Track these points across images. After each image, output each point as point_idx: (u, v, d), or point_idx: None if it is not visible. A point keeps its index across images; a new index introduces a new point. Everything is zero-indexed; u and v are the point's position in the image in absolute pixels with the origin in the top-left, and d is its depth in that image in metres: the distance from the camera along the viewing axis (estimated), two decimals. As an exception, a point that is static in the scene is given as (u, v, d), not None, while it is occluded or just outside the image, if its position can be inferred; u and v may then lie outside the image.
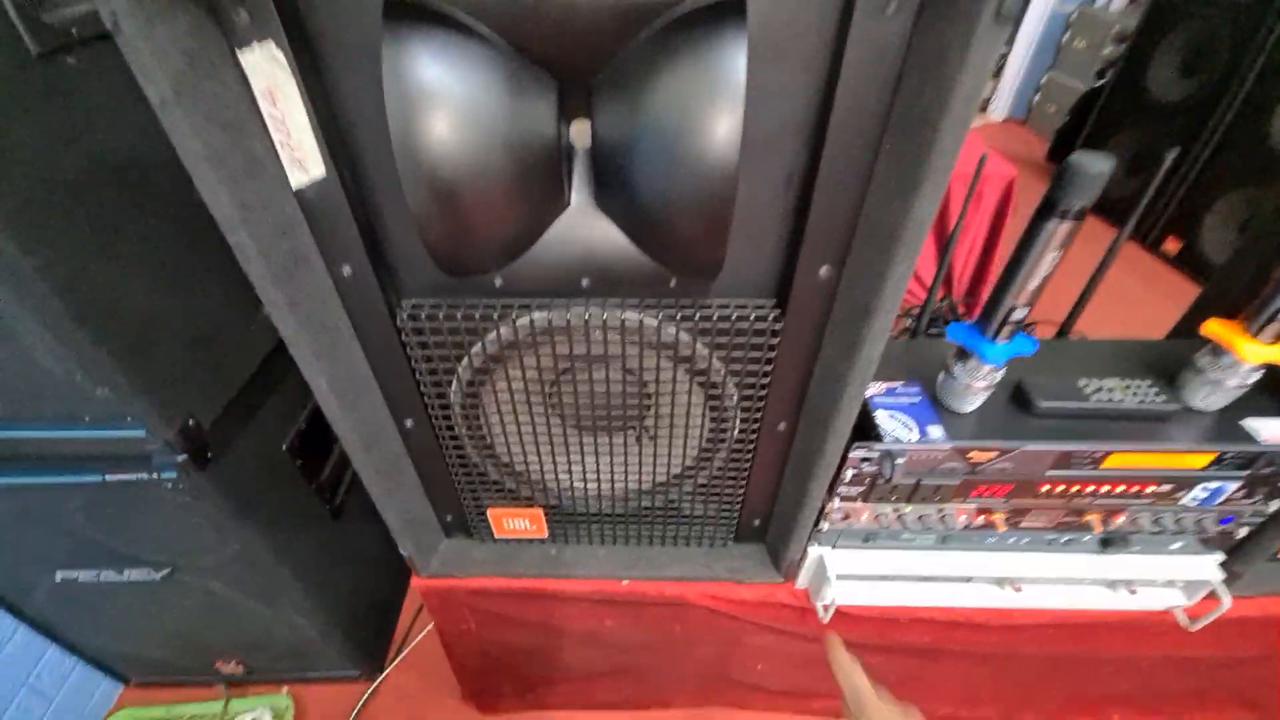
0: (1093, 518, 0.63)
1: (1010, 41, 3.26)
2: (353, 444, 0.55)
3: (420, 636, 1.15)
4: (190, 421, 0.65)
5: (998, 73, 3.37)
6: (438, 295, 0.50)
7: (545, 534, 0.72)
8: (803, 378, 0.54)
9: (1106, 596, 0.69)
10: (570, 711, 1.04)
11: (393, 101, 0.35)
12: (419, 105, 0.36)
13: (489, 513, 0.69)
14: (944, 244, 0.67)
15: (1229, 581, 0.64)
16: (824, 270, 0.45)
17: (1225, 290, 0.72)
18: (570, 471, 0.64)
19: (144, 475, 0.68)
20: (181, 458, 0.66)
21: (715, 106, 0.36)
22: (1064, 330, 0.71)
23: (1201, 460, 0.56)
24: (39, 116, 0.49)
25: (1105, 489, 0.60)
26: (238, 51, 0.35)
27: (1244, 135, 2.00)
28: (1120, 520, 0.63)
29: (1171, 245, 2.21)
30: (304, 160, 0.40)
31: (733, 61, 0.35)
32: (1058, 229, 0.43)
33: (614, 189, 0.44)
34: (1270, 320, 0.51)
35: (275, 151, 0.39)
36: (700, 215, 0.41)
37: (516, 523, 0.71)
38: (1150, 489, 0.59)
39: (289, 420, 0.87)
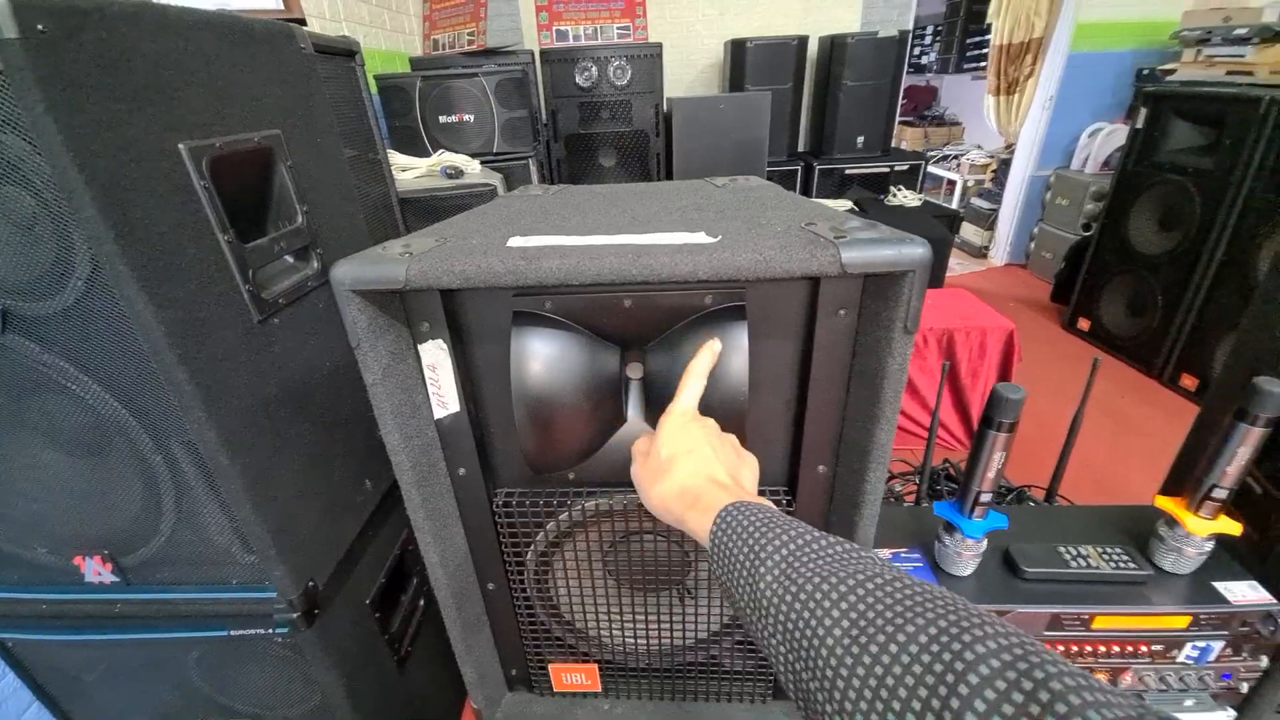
0: (1101, 677, 0.69)
1: (997, 201, 3.63)
2: (448, 605, 0.68)
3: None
4: (311, 583, 0.79)
5: (991, 224, 3.71)
6: (524, 486, 0.65)
7: (599, 688, 0.80)
8: (815, 549, 0.65)
9: (1138, 760, 0.72)
10: None
11: (515, 364, 0.53)
12: (530, 365, 0.54)
13: (550, 667, 0.78)
14: (930, 428, 0.80)
15: (1248, 741, 0.67)
16: (821, 468, 0.59)
17: (1194, 458, 0.82)
18: (622, 626, 0.74)
19: (262, 631, 0.81)
20: (296, 615, 0.79)
21: (728, 359, 0.53)
22: (1050, 495, 0.82)
23: (1181, 621, 0.64)
24: (254, 364, 0.70)
25: (1104, 649, 0.66)
26: (419, 345, 0.54)
27: (1233, 278, 2.16)
28: (1129, 679, 0.68)
29: (1189, 381, 2.28)
30: (446, 402, 0.58)
31: (739, 335, 0.52)
32: (997, 437, 0.57)
33: (659, 411, 0.60)
34: (1205, 499, 0.62)
35: (428, 398, 0.58)
36: (723, 428, 0.56)
37: (574, 677, 0.79)
38: (1144, 649, 0.66)
39: (374, 576, 0.99)
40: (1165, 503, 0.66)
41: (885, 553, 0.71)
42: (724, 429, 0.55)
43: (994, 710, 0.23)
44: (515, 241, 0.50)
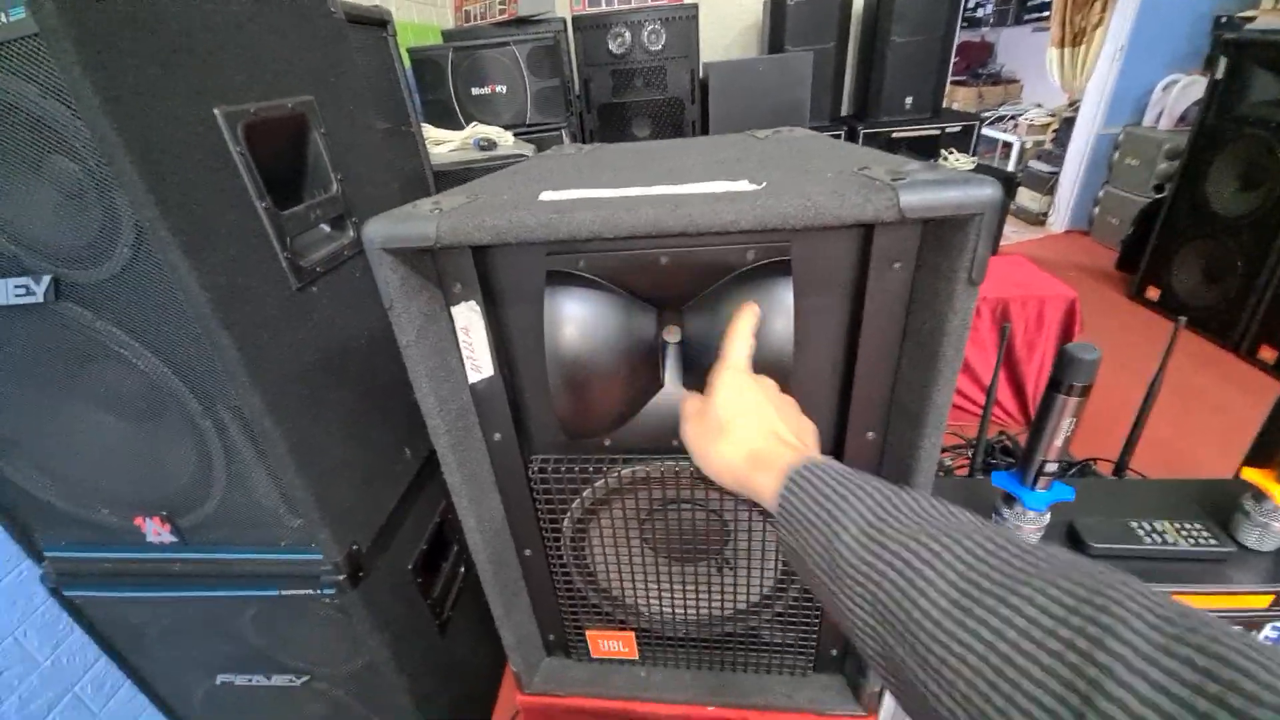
0: (1173, 660, 0.64)
1: (1057, 163, 3.40)
2: (486, 570, 0.68)
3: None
4: (354, 547, 0.81)
5: (1050, 189, 3.49)
6: (560, 452, 0.64)
7: (636, 655, 0.79)
8: (862, 520, 0.62)
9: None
10: None
11: (549, 326, 0.51)
12: (564, 328, 0.52)
13: (587, 634, 0.78)
14: (986, 397, 0.75)
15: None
16: (870, 434, 0.56)
17: (1282, 429, 0.75)
18: (660, 596, 0.73)
19: (311, 591, 0.83)
20: (342, 577, 0.81)
21: (772, 319, 0.50)
22: (1120, 469, 0.76)
23: (1264, 600, 0.58)
24: (293, 331, 0.70)
25: (1177, 630, 0.62)
26: (451, 307, 0.53)
27: (1325, 243, 1.97)
28: (1204, 663, 0.64)
29: (1268, 354, 2.11)
30: (480, 365, 0.57)
31: (783, 293, 0.49)
32: (1067, 402, 0.52)
33: (697, 374, 0.58)
34: (1302, 470, 0.56)
35: (462, 361, 0.57)
36: (766, 395, 0.54)
37: (610, 644, 0.79)
38: (1224, 631, 0.61)
39: (415, 542, 1.02)
40: (1253, 474, 0.60)
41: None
42: None
43: (1160, 690, 0.19)
44: (547, 195, 0.48)
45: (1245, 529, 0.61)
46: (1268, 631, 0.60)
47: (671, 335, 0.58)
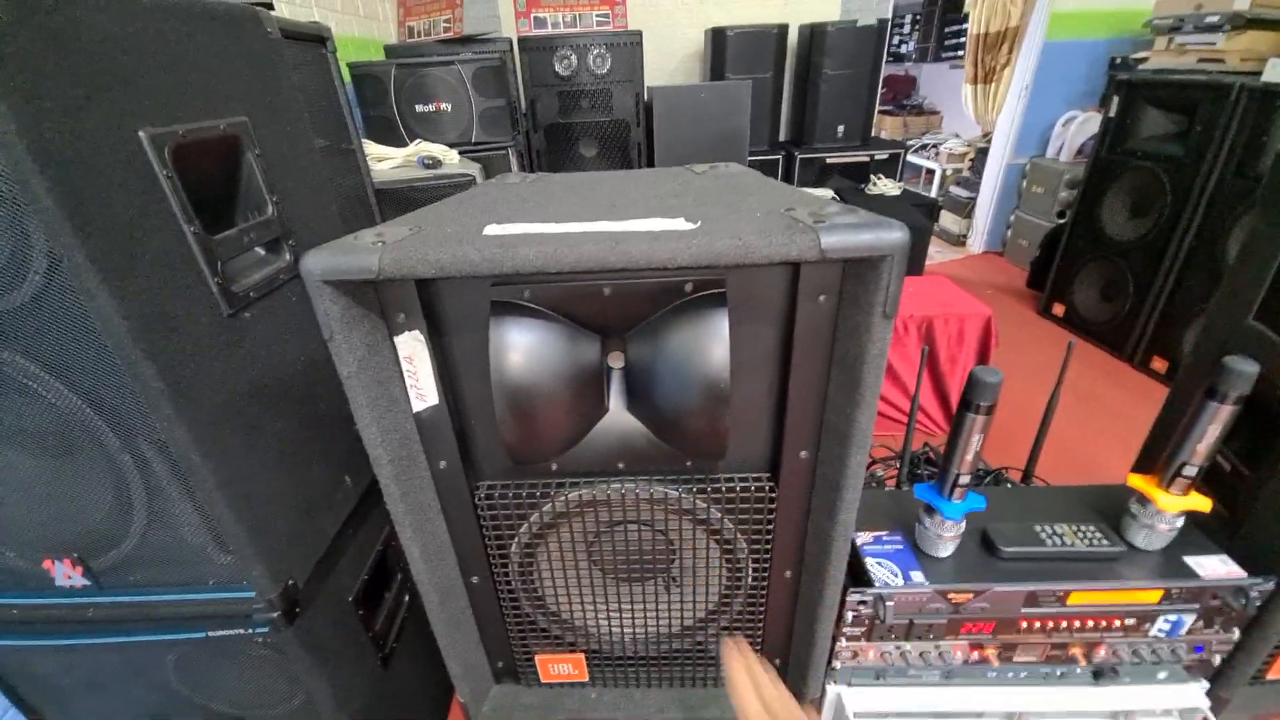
0: (1076, 651, 0.70)
1: (975, 189, 3.67)
2: (431, 599, 0.67)
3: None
4: (290, 582, 0.77)
5: (969, 213, 3.75)
6: (506, 478, 0.65)
7: (586, 677, 0.80)
8: (800, 534, 0.66)
9: (1111, 730, 0.74)
10: None
11: (494, 355, 0.52)
12: (510, 356, 0.53)
13: (537, 659, 0.78)
14: (909, 412, 0.81)
15: (1218, 708, 0.69)
16: (803, 453, 0.60)
17: (1165, 437, 0.84)
18: (609, 616, 0.74)
19: (241, 631, 0.79)
20: (276, 614, 0.78)
21: (710, 346, 0.53)
22: (1027, 476, 0.83)
23: (1153, 596, 0.65)
24: (225, 358, 0.68)
25: (1078, 624, 0.68)
26: (394, 337, 0.53)
27: (1202, 263, 2.21)
28: (1103, 652, 0.70)
29: (1159, 364, 2.34)
30: (424, 394, 0.57)
31: (719, 322, 0.52)
32: (975, 420, 0.58)
33: (640, 400, 0.60)
34: (1176, 476, 0.63)
35: (406, 391, 0.57)
36: (705, 418, 0.56)
37: (561, 667, 0.79)
38: (1118, 623, 0.68)
39: (356, 574, 0.98)
40: (1137, 481, 0.67)
41: (869, 535, 0.72)
42: (706, 417, 0.55)
43: None
44: (491, 229, 0.49)
45: (1133, 530, 0.68)
46: (1160, 624, 0.67)
47: (615, 361, 0.60)
